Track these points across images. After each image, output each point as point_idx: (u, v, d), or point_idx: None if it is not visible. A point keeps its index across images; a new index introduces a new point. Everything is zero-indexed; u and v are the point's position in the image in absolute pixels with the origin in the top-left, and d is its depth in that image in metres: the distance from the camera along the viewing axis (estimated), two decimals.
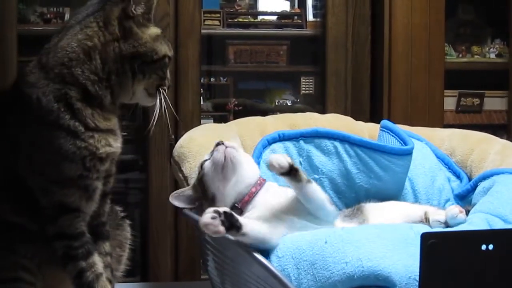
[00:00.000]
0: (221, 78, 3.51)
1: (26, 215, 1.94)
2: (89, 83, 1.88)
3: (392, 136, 2.26)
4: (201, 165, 1.96)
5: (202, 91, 3.26)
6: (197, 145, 2.17)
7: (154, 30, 1.96)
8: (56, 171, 1.88)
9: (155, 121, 1.99)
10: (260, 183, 1.93)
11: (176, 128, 3.02)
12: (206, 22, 3.32)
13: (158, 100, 1.98)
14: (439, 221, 1.97)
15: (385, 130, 2.31)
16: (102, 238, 2.04)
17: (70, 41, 1.89)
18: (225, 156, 1.90)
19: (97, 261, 1.96)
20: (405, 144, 2.21)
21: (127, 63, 1.90)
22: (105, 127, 1.91)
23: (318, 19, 3.41)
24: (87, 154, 1.88)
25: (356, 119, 2.57)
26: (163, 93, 1.98)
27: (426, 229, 1.87)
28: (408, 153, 2.19)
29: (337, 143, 2.20)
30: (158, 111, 1.97)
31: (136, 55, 1.91)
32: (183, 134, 2.35)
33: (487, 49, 3.48)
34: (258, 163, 2.11)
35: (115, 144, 1.95)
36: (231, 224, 1.68)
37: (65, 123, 1.85)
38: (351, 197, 2.18)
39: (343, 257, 1.74)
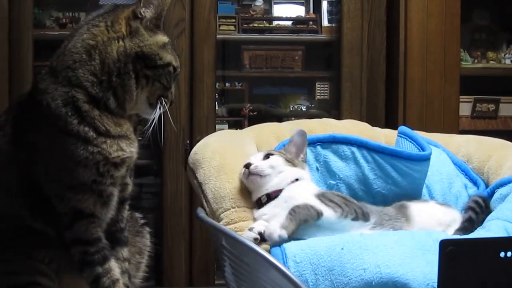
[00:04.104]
0: (236, 83, 3.51)
1: (44, 222, 1.94)
2: (89, 84, 1.87)
3: (410, 142, 2.25)
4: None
5: (217, 96, 3.26)
6: (211, 151, 2.16)
7: (161, 38, 1.95)
8: (70, 177, 1.88)
9: (150, 130, 1.96)
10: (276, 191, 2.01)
11: (191, 133, 3.03)
12: (222, 27, 3.33)
13: (157, 109, 1.95)
14: None
15: (403, 136, 2.30)
16: (120, 244, 2.04)
17: (76, 42, 1.90)
18: (247, 178, 2.03)
19: (114, 266, 1.96)
20: (423, 150, 2.20)
21: (130, 63, 1.89)
22: (116, 133, 1.90)
23: (333, 24, 3.41)
24: (100, 159, 1.88)
25: (371, 124, 2.56)
26: (164, 104, 1.96)
27: (445, 236, 1.87)
28: (426, 159, 2.18)
29: (354, 149, 2.20)
30: (155, 120, 1.95)
31: (140, 55, 1.90)
32: (198, 139, 2.34)
33: (503, 54, 3.48)
34: None
35: (129, 149, 1.94)
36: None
37: (74, 128, 1.85)
38: (368, 203, 2.17)
39: (361, 263, 1.74)
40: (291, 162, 2.07)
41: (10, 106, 2.11)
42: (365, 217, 1.96)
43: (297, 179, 2.04)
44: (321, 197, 1.94)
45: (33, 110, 1.91)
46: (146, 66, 1.91)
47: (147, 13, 1.92)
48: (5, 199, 1.96)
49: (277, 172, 2.02)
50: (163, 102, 1.96)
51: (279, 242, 1.82)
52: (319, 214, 1.87)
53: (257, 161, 2.04)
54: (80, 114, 1.86)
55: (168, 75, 1.96)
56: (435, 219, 2.06)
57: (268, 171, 2.01)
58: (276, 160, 2.05)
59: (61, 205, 1.90)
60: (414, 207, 2.08)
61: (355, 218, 1.93)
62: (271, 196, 2.00)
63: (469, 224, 2.06)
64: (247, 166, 2.02)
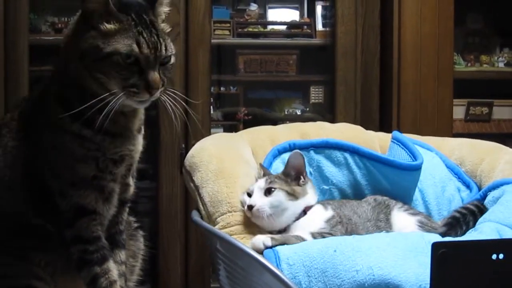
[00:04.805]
0: (231, 87, 3.52)
1: (45, 219, 1.96)
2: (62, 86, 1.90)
3: (403, 149, 2.26)
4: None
5: (212, 100, 3.27)
6: (208, 155, 2.17)
7: (108, 26, 1.81)
8: (72, 173, 1.90)
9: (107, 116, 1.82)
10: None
11: (186, 137, 3.03)
12: (216, 32, 3.34)
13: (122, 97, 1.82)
14: None
15: (396, 142, 2.31)
16: (118, 246, 2.05)
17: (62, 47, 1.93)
18: (251, 217, 2.01)
19: (112, 268, 1.96)
20: (415, 158, 2.21)
21: (77, 61, 1.83)
22: (114, 130, 1.91)
23: (327, 29, 3.42)
24: (99, 155, 1.90)
25: (365, 127, 2.57)
26: (126, 93, 1.81)
27: (437, 238, 1.88)
28: (417, 169, 2.19)
29: (347, 155, 2.21)
30: (109, 109, 1.80)
31: (84, 53, 1.81)
32: (193, 143, 2.35)
33: (496, 58, 3.49)
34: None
35: (127, 147, 1.96)
36: None
37: (72, 126, 1.87)
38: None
39: (353, 265, 1.75)
40: (292, 194, 2.03)
41: (17, 102, 2.13)
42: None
43: (304, 211, 2.04)
44: (316, 234, 1.95)
45: (37, 108, 1.94)
46: (94, 61, 1.81)
47: (91, 6, 1.82)
48: (9, 196, 1.97)
49: (281, 210, 2.00)
50: (126, 92, 1.82)
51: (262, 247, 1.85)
52: None
53: (259, 201, 1.99)
54: (77, 113, 1.87)
55: (116, 65, 1.80)
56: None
57: (270, 211, 1.99)
58: (278, 197, 2.01)
59: (64, 202, 1.92)
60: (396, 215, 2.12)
61: None
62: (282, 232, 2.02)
63: (454, 221, 2.09)
64: (250, 208, 1.99)
